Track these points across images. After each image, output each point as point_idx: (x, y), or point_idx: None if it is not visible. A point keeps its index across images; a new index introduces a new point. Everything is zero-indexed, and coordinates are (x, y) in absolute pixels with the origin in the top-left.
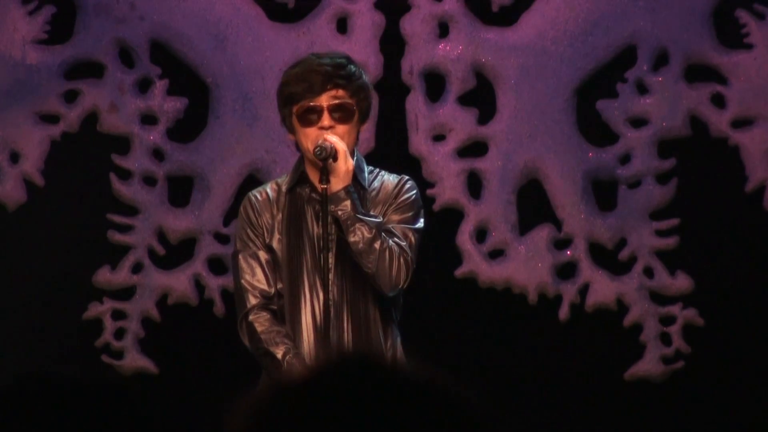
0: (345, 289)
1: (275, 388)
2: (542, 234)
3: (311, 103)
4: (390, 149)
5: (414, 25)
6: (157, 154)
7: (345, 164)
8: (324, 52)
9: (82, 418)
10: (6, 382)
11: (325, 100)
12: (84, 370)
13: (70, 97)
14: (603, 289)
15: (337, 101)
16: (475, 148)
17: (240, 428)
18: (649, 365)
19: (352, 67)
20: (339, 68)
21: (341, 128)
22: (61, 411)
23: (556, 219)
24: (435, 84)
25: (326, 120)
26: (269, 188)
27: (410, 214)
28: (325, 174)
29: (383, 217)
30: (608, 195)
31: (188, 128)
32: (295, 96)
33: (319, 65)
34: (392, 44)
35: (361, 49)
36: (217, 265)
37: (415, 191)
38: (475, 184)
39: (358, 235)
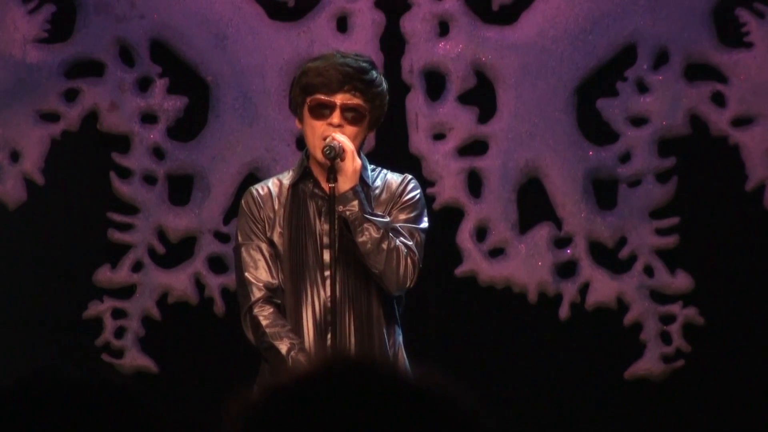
0: (347, 286)
1: (268, 390)
2: (542, 233)
3: (325, 99)
4: (390, 148)
5: (414, 24)
6: (158, 153)
7: (353, 164)
8: (350, 52)
9: (87, 417)
10: (7, 380)
11: (339, 98)
12: (84, 368)
13: (71, 95)
14: (603, 287)
15: (350, 102)
16: (475, 147)
17: (233, 429)
18: (649, 364)
19: (374, 73)
20: (360, 72)
21: (350, 129)
22: (67, 410)
23: (556, 218)
24: (435, 83)
25: (336, 117)
26: (271, 183)
27: (415, 213)
28: (333, 173)
29: (389, 217)
30: (608, 194)
31: (188, 127)
32: (311, 88)
33: (341, 64)
34: (392, 43)
35: (361, 47)
36: (217, 264)
37: (419, 190)
38: (475, 183)
39: (366, 236)
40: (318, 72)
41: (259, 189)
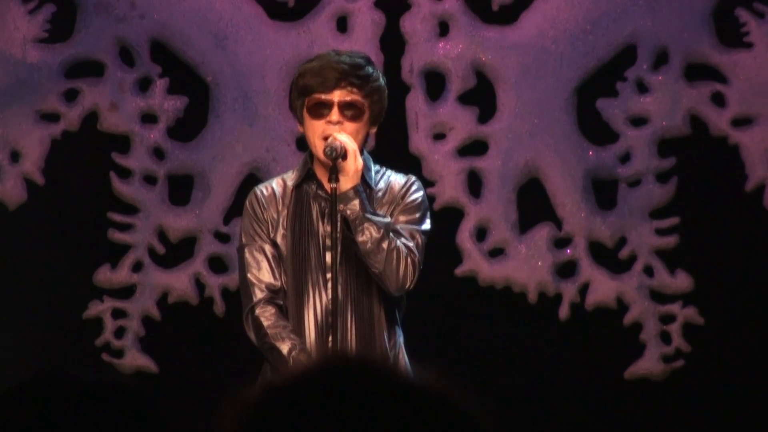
0: (350, 287)
1: (265, 389)
2: (542, 233)
3: (323, 97)
4: (390, 148)
5: (414, 24)
6: (158, 153)
7: (354, 163)
8: (345, 50)
9: (93, 419)
10: (7, 380)
11: (337, 96)
12: (85, 369)
13: (71, 95)
14: (603, 287)
15: (348, 99)
16: (475, 147)
17: (230, 428)
18: (649, 364)
19: (369, 68)
20: (356, 68)
21: (350, 126)
22: (73, 412)
23: (556, 218)
24: (435, 83)
25: (335, 115)
26: (275, 183)
27: (417, 215)
28: (335, 173)
29: (390, 218)
30: (608, 194)
31: (188, 127)
32: (308, 88)
33: (337, 62)
34: (392, 43)
35: (361, 47)
36: (217, 264)
37: (422, 192)
38: (475, 183)
39: (366, 235)
40: (314, 72)
41: (263, 189)
